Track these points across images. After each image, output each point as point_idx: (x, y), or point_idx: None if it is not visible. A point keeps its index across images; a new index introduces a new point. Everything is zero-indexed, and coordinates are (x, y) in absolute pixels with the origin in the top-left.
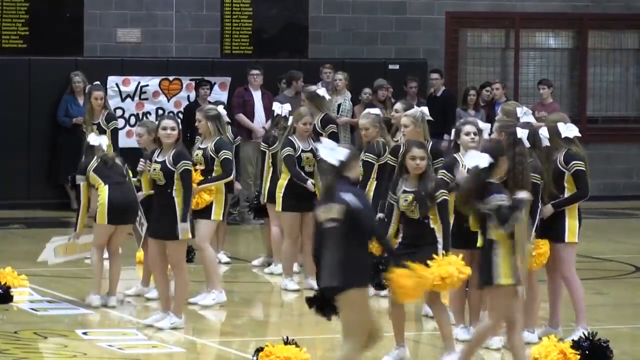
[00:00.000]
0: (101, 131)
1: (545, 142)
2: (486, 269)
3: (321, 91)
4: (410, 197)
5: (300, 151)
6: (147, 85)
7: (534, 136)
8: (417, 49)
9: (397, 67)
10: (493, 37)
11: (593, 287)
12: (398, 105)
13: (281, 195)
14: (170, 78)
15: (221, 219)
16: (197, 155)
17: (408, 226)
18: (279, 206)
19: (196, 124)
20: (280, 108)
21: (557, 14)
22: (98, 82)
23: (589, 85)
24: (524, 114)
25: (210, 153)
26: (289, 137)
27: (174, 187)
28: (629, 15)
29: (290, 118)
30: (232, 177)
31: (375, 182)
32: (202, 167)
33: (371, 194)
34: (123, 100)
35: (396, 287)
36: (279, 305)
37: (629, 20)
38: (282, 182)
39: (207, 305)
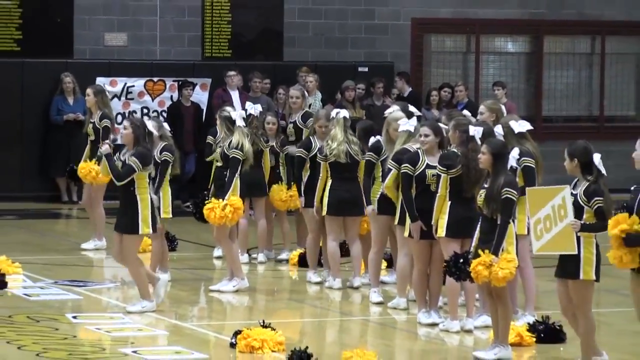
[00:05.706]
0: (95, 129)
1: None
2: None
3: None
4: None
5: (316, 149)
6: (133, 86)
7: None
8: (385, 53)
9: (366, 69)
10: (455, 42)
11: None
12: (395, 108)
13: (303, 190)
14: (155, 79)
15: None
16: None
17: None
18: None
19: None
20: (253, 108)
21: (515, 20)
22: (100, 84)
23: (544, 87)
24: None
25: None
26: (310, 137)
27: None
28: (581, 22)
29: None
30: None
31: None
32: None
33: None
34: (110, 100)
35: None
36: (269, 292)
37: (581, 26)
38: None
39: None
